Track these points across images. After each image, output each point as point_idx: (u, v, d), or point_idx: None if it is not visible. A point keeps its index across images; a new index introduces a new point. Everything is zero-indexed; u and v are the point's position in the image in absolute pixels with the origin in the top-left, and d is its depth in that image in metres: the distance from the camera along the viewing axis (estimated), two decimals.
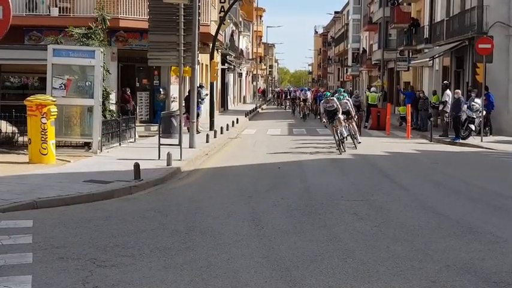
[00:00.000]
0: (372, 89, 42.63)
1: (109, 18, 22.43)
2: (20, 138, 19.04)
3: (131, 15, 28.11)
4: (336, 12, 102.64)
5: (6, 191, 12.01)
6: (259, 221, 10.61)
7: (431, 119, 30.77)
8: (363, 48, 72.52)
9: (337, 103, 22.48)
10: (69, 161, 17.01)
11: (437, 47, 38.57)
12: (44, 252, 8.30)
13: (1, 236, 9.14)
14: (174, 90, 29.89)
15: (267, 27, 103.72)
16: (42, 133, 16.41)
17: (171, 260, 8.09)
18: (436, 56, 38.46)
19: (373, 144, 25.22)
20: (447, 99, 30.01)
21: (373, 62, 61.04)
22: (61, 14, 27.45)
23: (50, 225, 9.97)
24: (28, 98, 16.88)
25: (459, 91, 29.09)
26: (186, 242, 9.06)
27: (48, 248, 8.56)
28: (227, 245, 8.87)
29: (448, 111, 29.37)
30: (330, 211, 11.54)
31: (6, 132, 19.09)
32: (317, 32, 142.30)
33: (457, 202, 12.82)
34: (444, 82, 34.67)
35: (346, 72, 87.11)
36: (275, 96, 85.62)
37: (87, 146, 19.22)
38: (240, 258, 8.23)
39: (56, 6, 27.53)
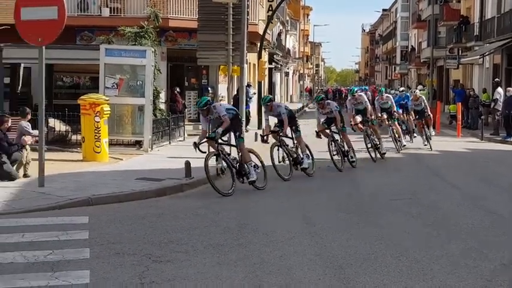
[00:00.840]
0: (419, 87, 42.20)
1: (161, 15, 22.70)
2: (73, 137, 19.38)
3: (180, 15, 28.35)
4: (383, 10, 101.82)
5: (62, 188, 12.27)
6: (310, 219, 10.65)
7: (481, 117, 30.33)
8: (412, 46, 71.82)
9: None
10: (122, 159, 17.27)
11: (487, 45, 37.99)
12: (101, 248, 8.47)
13: (58, 231, 9.36)
14: (222, 89, 30.03)
15: (314, 26, 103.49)
16: (96, 131, 16.70)
17: (225, 257, 8.18)
18: (487, 53, 37.88)
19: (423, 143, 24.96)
20: (498, 97, 29.56)
21: (422, 60, 60.40)
22: (112, 14, 27.83)
23: (105, 222, 10.17)
24: (82, 97, 17.19)
25: (511, 89, 28.63)
26: (239, 239, 9.15)
27: (105, 243, 8.73)
28: (279, 242, 8.93)
29: (500, 109, 28.92)
30: (381, 210, 11.51)
31: (59, 131, 19.46)
32: (364, 30, 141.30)
33: (510, 201, 12.66)
34: (495, 80, 34.14)
35: (394, 71, 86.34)
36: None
37: (138, 144, 19.48)
38: (293, 255, 8.28)
39: (107, 7, 27.92)
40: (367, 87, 36.84)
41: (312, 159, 15.94)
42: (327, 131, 17.18)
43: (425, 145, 22.19)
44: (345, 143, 17.25)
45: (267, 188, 13.78)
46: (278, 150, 15.46)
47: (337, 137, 17.25)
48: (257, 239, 9.15)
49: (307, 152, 15.87)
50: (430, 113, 23.71)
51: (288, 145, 15.77)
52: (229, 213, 11.08)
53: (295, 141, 15.94)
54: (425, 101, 24.35)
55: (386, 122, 21.24)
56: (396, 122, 21.54)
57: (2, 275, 7.26)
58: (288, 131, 15.60)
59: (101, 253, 8.22)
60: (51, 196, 10.69)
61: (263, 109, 16.66)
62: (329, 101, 19.52)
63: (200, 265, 7.77)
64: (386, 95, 21.62)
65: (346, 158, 17.08)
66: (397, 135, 21.22)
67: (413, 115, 23.51)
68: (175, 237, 9.20)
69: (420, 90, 38.99)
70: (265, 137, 15.44)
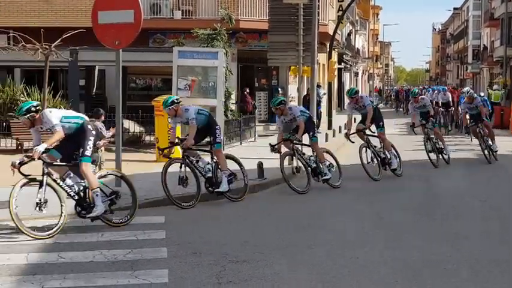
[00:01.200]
0: (495, 86, 41.26)
1: (236, 18, 22.89)
2: (147, 138, 19.71)
3: (251, 16, 28.50)
4: (454, 9, 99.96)
5: (138, 188, 12.38)
6: (384, 221, 10.56)
7: None
8: (484, 45, 70.32)
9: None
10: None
11: None
12: (178, 247, 8.61)
13: (136, 231, 9.56)
14: (292, 90, 30.04)
15: (384, 25, 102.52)
16: (169, 132, 16.92)
17: (300, 257, 8.20)
18: None
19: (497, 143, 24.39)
20: None
21: (494, 59, 59.08)
22: (184, 16, 28.18)
23: (181, 221, 10.33)
24: (155, 99, 17.47)
25: None
26: (313, 239, 9.15)
27: (181, 243, 8.87)
28: (352, 244, 8.89)
29: None
30: (456, 212, 11.33)
31: (134, 132, 19.82)
32: (435, 29, 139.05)
33: None
34: None
35: (466, 70, 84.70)
36: (391, 96, 72.55)
37: (209, 145, 19.62)
38: (366, 257, 8.23)
39: (179, 9, 28.28)
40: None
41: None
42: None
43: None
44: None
45: (338, 189, 13.73)
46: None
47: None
48: (330, 239, 9.14)
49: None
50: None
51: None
52: (304, 213, 11.11)
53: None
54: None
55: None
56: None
57: (83, 273, 7.46)
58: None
59: (178, 252, 8.35)
60: (127, 196, 10.92)
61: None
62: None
63: (276, 265, 7.81)
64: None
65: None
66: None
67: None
68: (251, 237, 9.28)
69: (495, 91, 38.13)
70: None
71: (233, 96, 23.60)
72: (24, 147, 18.90)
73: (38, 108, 9.59)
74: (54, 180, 9.59)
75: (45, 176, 9.41)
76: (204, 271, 7.57)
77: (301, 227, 9.98)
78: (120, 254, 8.25)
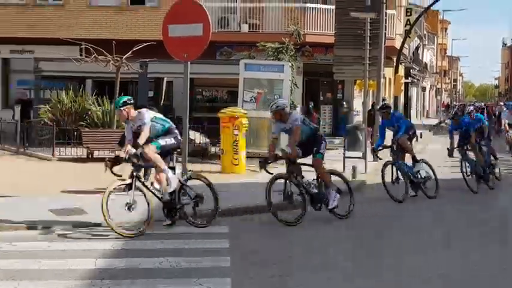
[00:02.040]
0: None
1: (303, 33, 23.07)
2: (212, 149, 19.99)
3: (317, 30, 28.63)
4: None
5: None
6: (451, 235, 10.49)
7: None
8: None
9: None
10: (258, 172, 17.60)
11: None
12: (241, 257, 8.75)
13: (201, 239, 9.75)
14: (357, 103, 30.01)
15: (452, 40, 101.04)
16: (234, 144, 17.18)
17: (364, 269, 8.23)
18: None
19: None
20: None
21: None
22: (251, 30, 28.52)
23: (244, 231, 10.49)
24: (222, 111, 17.73)
25: None
26: (376, 251, 9.17)
27: (245, 253, 9.01)
28: (411, 254, 8.89)
29: None
30: None
31: (200, 143, 20.14)
32: (505, 45, 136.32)
33: None
34: None
35: None
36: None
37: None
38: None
39: (246, 23, 28.64)
40: None
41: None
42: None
43: None
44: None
45: (402, 204, 13.66)
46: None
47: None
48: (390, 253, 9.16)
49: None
50: None
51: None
52: (366, 227, 11.13)
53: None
54: None
55: None
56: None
57: (150, 279, 7.68)
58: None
59: (241, 262, 8.50)
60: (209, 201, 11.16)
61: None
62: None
63: (339, 276, 7.87)
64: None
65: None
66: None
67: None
68: (315, 247, 9.36)
69: None
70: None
71: (298, 109, 23.71)
72: (94, 156, 19.44)
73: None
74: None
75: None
76: (267, 281, 7.69)
77: (367, 241, 10.01)
78: (185, 262, 8.44)
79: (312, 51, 29.67)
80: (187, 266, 8.25)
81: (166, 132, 10.57)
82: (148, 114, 10.41)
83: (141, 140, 10.08)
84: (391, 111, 14.85)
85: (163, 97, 28.56)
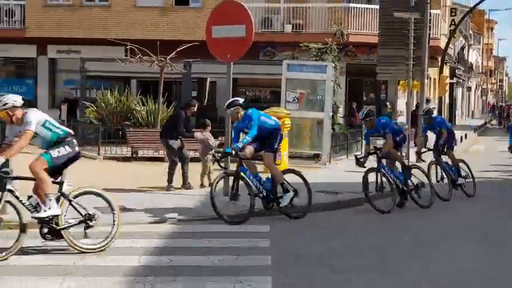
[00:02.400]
0: None
1: (346, 33, 23.04)
2: None
3: (360, 30, 28.54)
4: None
5: (245, 198, 12.78)
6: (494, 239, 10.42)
7: None
8: None
9: None
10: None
11: None
12: (282, 256, 8.82)
13: (242, 238, 9.84)
14: (400, 104, 29.81)
15: (498, 39, 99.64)
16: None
17: (410, 273, 8.23)
18: None
19: None
20: None
21: None
22: (294, 30, 28.56)
23: (285, 231, 10.55)
24: (264, 111, 17.78)
25: None
26: (418, 256, 9.16)
27: (285, 252, 9.08)
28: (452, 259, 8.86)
29: None
30: None
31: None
32: None
33: None
34: None
35: None
36: (502, 113, 62.98)
37: (316, 157, 19.84)
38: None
39: (290, 23, 28.70)
40: None
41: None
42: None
43: None
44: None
45: (445, 206, 13.57)
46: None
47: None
48: (434, 255, 9.13)
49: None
50: None
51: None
52: (405, 229, 11.11)
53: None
54: None
55: None
56: None
57: (192, 276, 7.80)
58: None
59: (282, 261, 8.56)
60: (236, 205, 11.27)
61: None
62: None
63: (379, 279, 7.89)
64: None
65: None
66: None
67: None
68: (357, 249, 9.38)
69: None
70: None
71: (341, 110, 23.71)
72: (139, 155, 19.72)
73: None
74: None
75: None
76: (308, 280, 7.75)
77: (404, 243, 10.00)
78: (226, 260, 8.54)
79: (355, 51, 29.58)
80: (228, 265, 8.35)
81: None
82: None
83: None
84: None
85: (206, 97, 28.81)
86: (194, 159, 15.37)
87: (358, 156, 13.39)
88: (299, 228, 10.83)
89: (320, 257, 8.87)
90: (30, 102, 29.61)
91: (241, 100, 11.70)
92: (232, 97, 12.31)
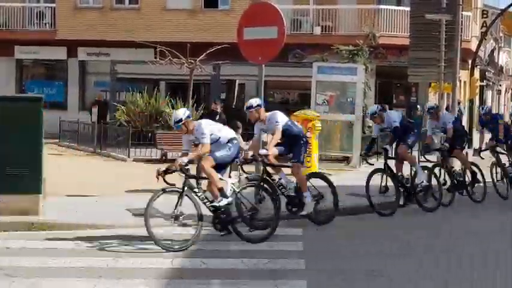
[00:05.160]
0: None
1: (378, 35, 22.87)
2: None
3: (390, 32, 28.32)
4: None
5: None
6: None
7: None
8: None
9: None
10: (331, 174, 17.52)
11: None
12: (315, 260, 8.73)
13: (275, 242, 9.77)
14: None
15: None
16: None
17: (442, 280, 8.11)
18: None
19: None
20: None
21: None
22: (323, 32, 28.42)
23: (318, 234, 10.47)
24: (295, 113, 17.71)
25: None
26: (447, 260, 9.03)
27: (319, 255, 9.00)
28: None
29: None
30: None
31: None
32: None
33: None
34: None
35: None
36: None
37: (346, 160, 19.71)
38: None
39: (319, 25, 28.55)
40: None
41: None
42: None
43: None
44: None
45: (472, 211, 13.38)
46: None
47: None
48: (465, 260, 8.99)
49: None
50: None
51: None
52: (430, 235, 10.98)
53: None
54: None
55: None
56: None
57: (227, 279, 7.74)
58: None
59: (315, 265, 8.48)
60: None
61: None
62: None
63: (412, 282, 7.78)
64: None
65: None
66: None
67: None
68: (392, 252, 9.26)
69: None
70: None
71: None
72: (168, 157, 19.73)
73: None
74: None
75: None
76: (342, 284, 7.66)
77: (430, 248, 9.85)
78: (260, 263, 8.48)
79: (385, 53, 29.34)
80: (263, 268, 8.30)
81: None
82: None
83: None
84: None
85: (235, 99, 28.80)
86: None
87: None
88: (332, 231, 10.73)
89: (354, 259, 8.75)
90: (60, 104, 29.97)
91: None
92: (262, 99, 12.08)
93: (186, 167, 9.60)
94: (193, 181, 9.87)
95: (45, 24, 30.67)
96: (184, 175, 9.59)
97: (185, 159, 9.58)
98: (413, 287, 7.68)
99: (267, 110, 11.09)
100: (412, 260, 8.92)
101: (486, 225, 11.82)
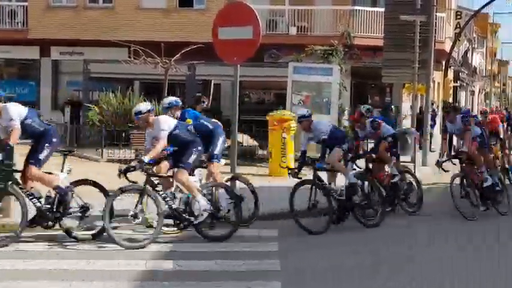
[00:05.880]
0: None
1: (353, 35, 22.91)
2: (260, 152, 19.94)
3: (365, 33, 28.38)
4: None
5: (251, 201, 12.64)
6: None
7: None
8: None
9: None
10: (306, 175, 17.49)
11: None
12: (291, 261, 8.70)
13: (249, 243, 9.73)
14: (405, 107, 29.67)
15: (502, 43, 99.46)
16: (282, 147, 17.08)
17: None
18: None
19: None
20: None
21: None
22: (299, 32, 28.39)
23: (294, 236, 10.43)
24: (270, 114, 17.70)
25: None
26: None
27: (294, 257, 8.97)
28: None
29: None
30: None
31: (247, 145, 20.12)
32: None
33: None
34: None
35: None
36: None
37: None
38: None
39: (294, 26, 28.52)
40: None
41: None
42: None
43: None
44: None
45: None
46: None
47: None
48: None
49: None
50: None
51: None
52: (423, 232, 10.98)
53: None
54: None
55: None
56: None
57: (201, 281, 7.66)
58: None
59: (291, 266, 8.43)
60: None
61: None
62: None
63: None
64: None
65: None
66: None
67: None
68: (367, 255, 9.24)
69: None
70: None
71: (346, 113, 23.57)
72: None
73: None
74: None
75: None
76: (318, 285, 7.62)
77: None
78: (235, 265, 8.41)
79: (360, 54, 29.40)
80: (237, 270, 8.23)
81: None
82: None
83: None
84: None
85: (210, 99, 28.67)
86: None
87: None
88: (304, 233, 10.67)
89: (331, 260, 8.71)
90: (32, 104, 29.60)
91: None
92: (239, 99, 12.00)
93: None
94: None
95: (17, 23, 30.26)
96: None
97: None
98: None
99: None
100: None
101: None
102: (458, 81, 51.35)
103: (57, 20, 28.95)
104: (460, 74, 51.63)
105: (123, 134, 20.84)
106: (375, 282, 7.82)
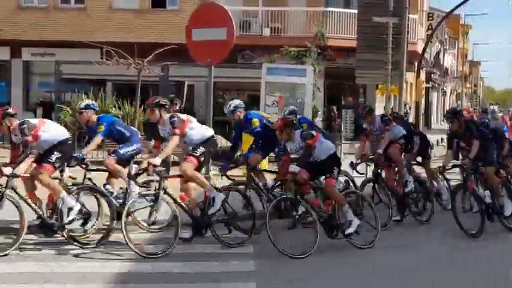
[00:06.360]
0: None
1: (326, 36, 22.99)
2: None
3: (338, 34, 28.50)
4: None
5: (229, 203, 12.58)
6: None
7: None
8: None
9: None
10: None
11: None
12: (265, 261, 8.68)
13: (223, 244, 9.65)
14: (379, 108, 29.84)
15: (473, 44, 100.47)
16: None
17: None
18: None
19: None
20: None
21: None
22: (272, 33, 28.42)
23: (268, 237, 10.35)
24: None
25: None
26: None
27: (269, 257, 8.91)
28: None
29: None
30: None
31: (225, 147, 20.06)
32: None
33: None
34: None
35: None
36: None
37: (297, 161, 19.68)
38: None
39: (268, 27, 28.54)
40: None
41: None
42: None
43: None
44: None
45: None
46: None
47: None
48: None
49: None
50: None
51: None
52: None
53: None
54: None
55: None
56: None
57: (175, 283, 7.62)
58: None
59: (265, 266, 8.42)
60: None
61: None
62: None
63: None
64: None
65: None
66: None
67: None
68: (337, 254, 9.27)
69: None
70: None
71: (320, 114, 23.65)
72: None
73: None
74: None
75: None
76: (294, 285, 7.62)
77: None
78: (210, 266, 8.38)
79: (333, 55, 29.51)
80: (210, 271, 8.20)
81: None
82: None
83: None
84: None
85: (184, 101, 28.58)
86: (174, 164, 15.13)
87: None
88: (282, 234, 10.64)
89: (307, 260, 8.71)
90: (3, 105, 29.25)
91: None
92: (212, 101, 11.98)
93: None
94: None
95: None
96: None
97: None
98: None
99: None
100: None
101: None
102: (430, 82, 51.81)
103: (28, 21, 28.64)
104: (432, 75, 52.09)
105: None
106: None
